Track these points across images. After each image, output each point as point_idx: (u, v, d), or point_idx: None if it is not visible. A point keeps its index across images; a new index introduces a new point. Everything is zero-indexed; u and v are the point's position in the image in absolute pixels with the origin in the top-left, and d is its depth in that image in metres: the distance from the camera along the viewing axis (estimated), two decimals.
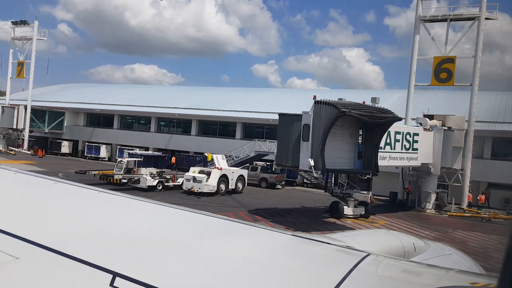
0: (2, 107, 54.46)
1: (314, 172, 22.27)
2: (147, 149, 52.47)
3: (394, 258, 2.82)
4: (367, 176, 25.07)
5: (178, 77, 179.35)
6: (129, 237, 2.50)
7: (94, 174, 31.73)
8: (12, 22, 57.72)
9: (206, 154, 33.13)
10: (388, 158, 26.73)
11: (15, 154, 50.78)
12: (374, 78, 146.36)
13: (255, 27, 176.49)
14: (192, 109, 54.89)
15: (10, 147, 53.79)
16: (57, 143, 59.83)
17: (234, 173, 32.68)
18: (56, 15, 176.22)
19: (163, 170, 34.17)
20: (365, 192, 26.88)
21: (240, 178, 33.39)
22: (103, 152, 56.56)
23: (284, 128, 23.89)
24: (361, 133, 24.56)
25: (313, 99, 22.73)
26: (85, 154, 57.75)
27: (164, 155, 39.79)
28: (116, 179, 30.44)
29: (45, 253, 2.07)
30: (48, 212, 3.03)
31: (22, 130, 55.45)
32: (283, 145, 23.89)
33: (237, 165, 37.97)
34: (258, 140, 40.58)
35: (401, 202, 33.83)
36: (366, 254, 2.42)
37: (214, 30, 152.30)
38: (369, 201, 26.78)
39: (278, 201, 31.50)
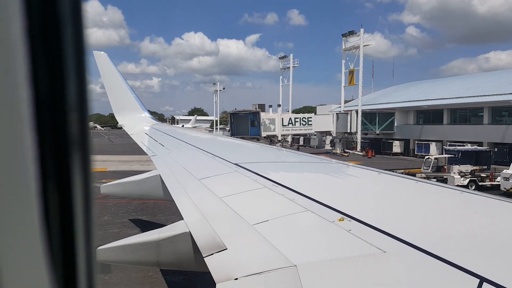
0: (337, 114, 62.63)
1: None
2: (480, 144, 47.20)
3: None
4: None
5: None
6: (498, 241, 2.46)
7: (401, 172, 31.52)
8: (342, 34, 65.26)
9: None
10: None
11: (347, 155, 57.13)
12: None
13: None
14: None
15: (345, 150, 60.67)
16: (388, 143, 63.05)
17: None
18: (403, 20, 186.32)
19: (483, 167, 30.04)
20: None
21: None
22: (433, 149, 55.09)
23: None
24: None
25: None
26: (416, 153, 57.71)
27: (488, 150, 34.77)
28: None
29: (410, 250, 2.22)
30: (412, 210, 3.37)
31: (355, 133, 61.42)
32: None
33: None
34: None
35: None
36: None
37: None
38: None
39: None
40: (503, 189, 26.26)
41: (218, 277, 2.48)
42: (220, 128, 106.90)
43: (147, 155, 9.39)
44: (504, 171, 26.69)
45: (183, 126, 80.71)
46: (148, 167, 7.58)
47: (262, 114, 59.02)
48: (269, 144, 56.93)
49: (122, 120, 15.76)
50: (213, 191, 4.33)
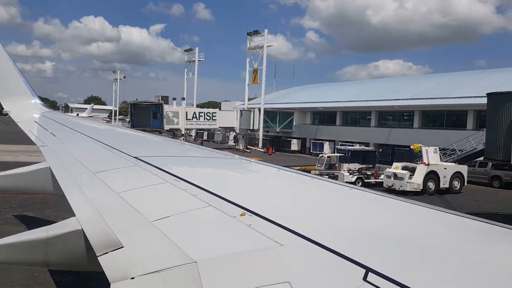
0: (241, 111, 63.71)
1: None
2: (367, 144, 51.43)
3: None
4: None
5: (425, 69, 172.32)
6: (383, 234, 2.58)
7: (297, 169, 33.10)
8: (247, 33, 66.37)
9: (412, 146, 29.89)
10: None
11: (250, 152, 58.47)
12: None
13: None
14: (414, 99, 51.34)
15: (248, 146, 62.01)
16: (287, 141, 65.79)
17: (447, 169, 28.82)
18: (304, 24, 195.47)
19: (369, 166, 32.80)
20: None
21: (457, 175, 29.29)
22: (326, 148, 58.73)
23: (494, 112, 19.16)
24: None
25: None
26: (311, 151, 60.98)
27: (374, 150, 38.08)
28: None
29: (305, 242, 2.30)
30: (306, 205, 3.45)
31: (257, 130, 63.04)
32: (493, 134, 19.20)
33: (462, 160, 33.03)
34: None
35: None
36: None
37: (464, 12, 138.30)
38: None
39: (509, 205, 25.59)
40: (385, 186, 28.96)
41: (113, 276, 2.35)
42: (119, 119, 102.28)
43: (35, 145, 8.65)
44: (387, 169, 29.50)
45: (77, 115, 75.58)
46: (36, 159, 6.96)
47: (166, 107, 57.54)
48: (172, 137, 55.91)
49: (8, 106, 14.26)
50: (110, 185, 4.10)
